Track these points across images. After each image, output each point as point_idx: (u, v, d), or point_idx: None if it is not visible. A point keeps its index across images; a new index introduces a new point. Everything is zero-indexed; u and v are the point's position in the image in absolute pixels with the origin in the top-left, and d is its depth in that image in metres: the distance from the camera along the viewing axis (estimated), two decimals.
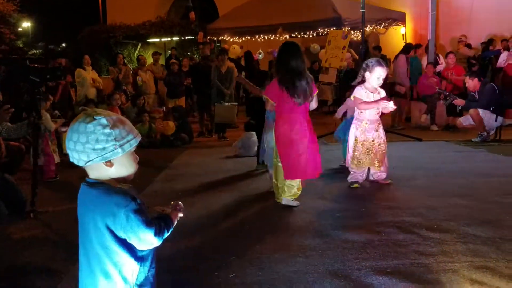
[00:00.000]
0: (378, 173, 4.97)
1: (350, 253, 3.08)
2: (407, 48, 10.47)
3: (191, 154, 7.45)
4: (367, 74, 4.78)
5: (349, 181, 4.96)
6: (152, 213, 1.61)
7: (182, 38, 17.48)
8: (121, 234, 1.56)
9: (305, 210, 4.16)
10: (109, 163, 1.58)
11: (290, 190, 4.26)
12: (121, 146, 1.57)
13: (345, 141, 5.91)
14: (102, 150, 1.55)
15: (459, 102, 8.13)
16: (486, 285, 2.60)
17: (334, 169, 5.81)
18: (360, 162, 4.87)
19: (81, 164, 1.59)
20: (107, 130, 1.55)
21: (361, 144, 4.85)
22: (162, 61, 13.05)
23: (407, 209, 4.06)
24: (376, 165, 4.90)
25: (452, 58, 9.35)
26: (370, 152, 4.85)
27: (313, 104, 4.31)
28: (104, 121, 1.55)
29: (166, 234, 1.62)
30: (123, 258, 1.58)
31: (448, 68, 9.29)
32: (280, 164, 4.26)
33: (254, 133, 6.94)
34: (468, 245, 3.18)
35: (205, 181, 5.42)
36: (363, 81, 4.84)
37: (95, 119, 1.55)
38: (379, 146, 4.86)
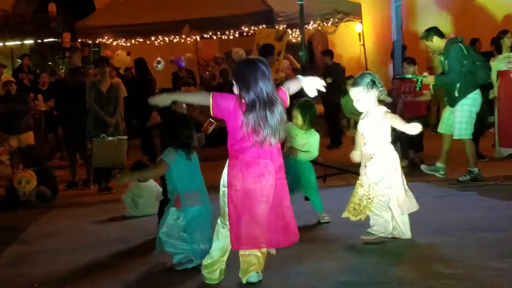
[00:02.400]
0: None
1: None
2: None
3: (56, 217, 7.33)
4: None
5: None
6: None
7: (39, 41, 17.21)
8: None
9: None
10: None
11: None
12: None
13: None
14: None
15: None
16: None
17: None
18: None
19: None
20: None
21: None
22: (8, 74, 12.70)
23: (374, 285, 4.17)
24: None
25: None
26: None
27: None
28: None
29: None
30: None
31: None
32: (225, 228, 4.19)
33: (152, 181, 6.86)
34: None
35: (77, 261, 5.28)
36: None
37: None
38: None
